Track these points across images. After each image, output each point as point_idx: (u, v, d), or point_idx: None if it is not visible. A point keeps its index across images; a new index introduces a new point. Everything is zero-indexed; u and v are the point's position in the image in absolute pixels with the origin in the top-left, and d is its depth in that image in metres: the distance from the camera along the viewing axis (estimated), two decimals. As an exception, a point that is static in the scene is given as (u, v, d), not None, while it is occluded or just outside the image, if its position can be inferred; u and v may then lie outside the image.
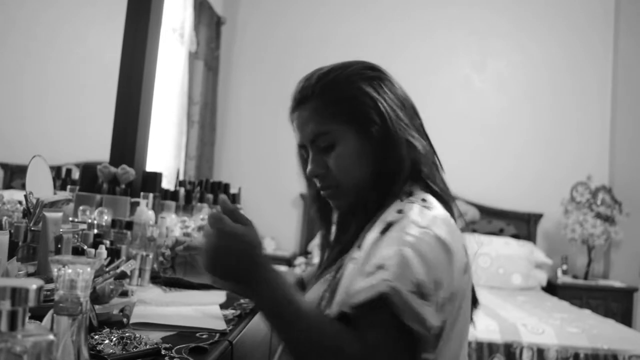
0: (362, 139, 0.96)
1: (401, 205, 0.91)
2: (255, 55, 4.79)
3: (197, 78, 4.01)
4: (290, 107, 1.03)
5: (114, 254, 1.39)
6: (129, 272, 1.12)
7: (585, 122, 4.63)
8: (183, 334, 0.98)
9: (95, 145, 2.39)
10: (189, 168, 3.94)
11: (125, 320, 1.02)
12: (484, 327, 2.68)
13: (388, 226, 0.87)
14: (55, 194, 1.36)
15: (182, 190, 1.98)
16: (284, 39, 4.77)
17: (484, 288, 3.84)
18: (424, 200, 0.92)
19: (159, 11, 2.18)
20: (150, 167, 2.18)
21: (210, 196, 2.03)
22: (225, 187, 2.13)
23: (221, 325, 1.07)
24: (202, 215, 1.81)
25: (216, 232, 0.80)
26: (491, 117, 4.66)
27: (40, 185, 1.30)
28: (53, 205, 1.22)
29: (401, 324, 0.77)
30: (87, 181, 1.90)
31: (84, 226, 1.47)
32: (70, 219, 1.51)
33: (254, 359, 1.28)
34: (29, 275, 1.08)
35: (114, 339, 0.86)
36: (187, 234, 1.77)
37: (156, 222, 1.70)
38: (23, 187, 1.28)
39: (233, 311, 1.23)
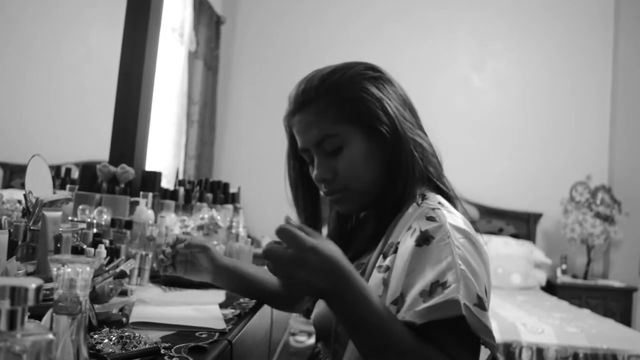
0: (369, 140, 0.94)
1: (425, 210, 0.88)
2: (254, 55, 4.79)
3: (196, 77, 4.01)
4: (288, 110, 1.00)
5: (113, 253, 1.39)
6: (128, 272, 1.12)
7: (584, 121, 4.64)
8: (182, 334, 0.98)
9: (94, 144, 2.39)
10: (189, 167, 3.94)
11: (124, 319, 1.02)
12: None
13: (425, 236, 0.84)
14: (54, 193, 1.36)
15: (181, 190, 1.98)
16: (283, 38, 4.77)
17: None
18: (440, 203, 0.91)
19: (158, 11, 2.18)
20: (149, 166, 2.17)
21: (209, 195, 2.03)
22: (224, 187, 2.13)
23: (220, 325, 1.07)
24: (202, 214, 1.81)
25: (296, 249, 0.74)
26: (491, 116, 4.66)
27: (40, 185, 1.30)
28: (52, 204, 1.22)
29: (477, 339, 0.78)
30: (86, 180, 1.90)
31: (84, 225, 1.47)
32: (70, 218, 1.51)
33: (254, 359, 1.28)
34: (28, 274, 1.08)
35: (114, 338, 0.86)
36: (186, 234, 1.77)
37: (155, 221, 1.70)
38: (22, 186, 1.28)
39: (232, 310, 1.23)
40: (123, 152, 2.02)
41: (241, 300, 1.36)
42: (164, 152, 3.52)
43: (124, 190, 1.86)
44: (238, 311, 1.23)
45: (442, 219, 0.86)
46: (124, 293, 1.16)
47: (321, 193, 1.06)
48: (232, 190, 2.22)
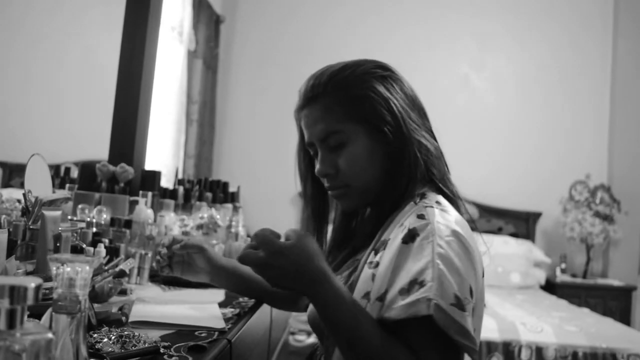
0: (373, 139, 0.95)
1: (418, 208, 0.89)
2: (254, 54, 4.79)
3: (196, 77, 4.01)
4: (298, 104, 1.02)
5: (112, 252, 1.39)
6: (127, 271, 1.12)
7: (584, 120, 4.64)
8: (182, 333, 0.98)
9: (94, 143, 2.39)
10: (188, 167, 3.94)
11: (124, 318, 1.02)
12: (482, 326, 2.67)
13: (412, 234, 0.85)
14: (54, 192, 1.36)
15: (181, 189, 1.98)
16: (283, 37, 4.77)
17: (482, 287, 3.84)
18: (438, 202, 0.91)
19: (157, 10, 2.18)
20: (149, 165, 2.17)
21: (209, 195, 2.03)
22: (224, 186, 2.13)
23: (220, 324, 1.07)
24: (201, 213, 1.81)
25: (266, 253, 0.81)
26: (490, 115, 4.66)
27: (39, 184, 1.30)
28: (52, 203, 1.21)
29: (449, 339, 0.78)
30: (86, 180, 1.90)
31: (83, 225, 1.47)
32: (69, 217, 1.51)
33: (253, 358, 1.28)
34: (27, 273, 1.08)
35: (113, 337, 0.86)
36: (185, 233, 1.77)
37: (155, 220, 1.70)
38: (22, 185, 1.28)
39: (232, 310, 1.23)
40: (122, 151, 2.02)
41: (240, 299, 1.36)
42: (164, 151, 3.51)
43: (123, 190, 1.86)
44: (237, 310, 1.23)
45: (431, 218, 0.86)
46: (123, 292, 1.17)
47: None
48: (232, 189, 2.22)
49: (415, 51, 4.63)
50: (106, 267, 1.11)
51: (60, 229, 1.16)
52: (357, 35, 4.61)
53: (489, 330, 2.69)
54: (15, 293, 0.46)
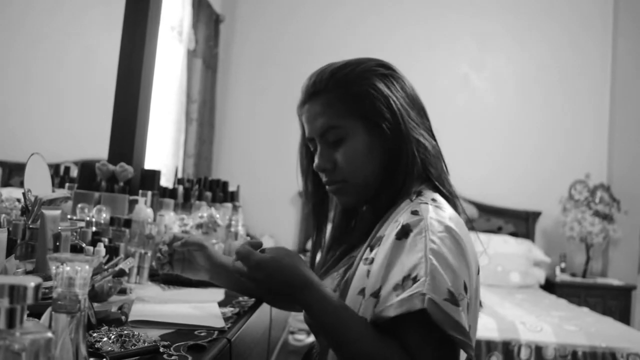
0: (372, 135, 0.96)
1: (413, 205, 0.90)
2: (253, 53, 4.79)
3: (195, 76, 4.01)
4: (300, 100, 1.03)
5: (112, 251, 1.39)
6: (127, 270, 1.12)
7: (583, 120, 4.64)
8: (181, 332, 0.98)
9: (93, 143, 2.38)
10: (188, 166, 3.94)
11: (123, 318, 1.02)
12: (481, 325, 2.66)
13: (405, 230, 0.86)
14: (53, 191, 1.36)
15: (180, 188, 1.98)
16: (282, 37, 4.77)
17: (482, 286, 3.83)
18: (434, 200, 0.92)
19: (157, 9, 2.17)
20: (148, 164, 2.17)
21: (208, 194, 2.03)
22: (223, 185, 2.13)
23: (220, 323, 1.07)
24: (201, 213, 1.81)
25: (247, 267, 0.87)
26: (490, 115, 4.66)
27: (39, 183, 1.30)
28: (51, 203, 1.21)
29: (443, 334, 0.77)
30: (85, 179, 1.90)
31: (83, 224, 1.47)
32: (69, 216, 1.51)
33: (253, 357, 1.28)
34: (27, 272, 1.08)
35: (113, 336, 0.86)
36: (185, 232, 1.77)
37: (155, 219, 1.70)
38: (21, 184, 1.28)
39: (232, 309, 1.23)
40: (122, 150, 2.02)
41: (240, 298, 1.36)
42: (163, 150, 3.52)
43: (123, 189, 1.86)
44: (237, 309, 1.23)
45: (424, 214, 0.87)
46: (123, 291, 1.17)
47: None
48: (231, 188, 2.22)
49: (415, 51, 4.63)
50: (106, 267, 1.10)
51: (59, 228, 1.16)
52: (357, 35, 4.61)
53: (489, 329, 2.69)
54: (15, 292, 0.46)
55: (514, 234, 4.49)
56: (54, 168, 1.97)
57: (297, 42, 4.71)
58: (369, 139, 0.96)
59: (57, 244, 1.13)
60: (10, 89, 2.27)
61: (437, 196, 0.94)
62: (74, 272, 0.57)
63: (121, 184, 1.87)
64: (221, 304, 1.28)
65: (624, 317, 3.99)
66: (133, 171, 1.90)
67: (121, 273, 1.10)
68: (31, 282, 0.47)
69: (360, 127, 0.96)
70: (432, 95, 4.36)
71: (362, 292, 0.87)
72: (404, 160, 0.95)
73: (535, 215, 4.56)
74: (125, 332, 0.88)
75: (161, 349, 0.86)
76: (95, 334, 0.86)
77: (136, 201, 1.73)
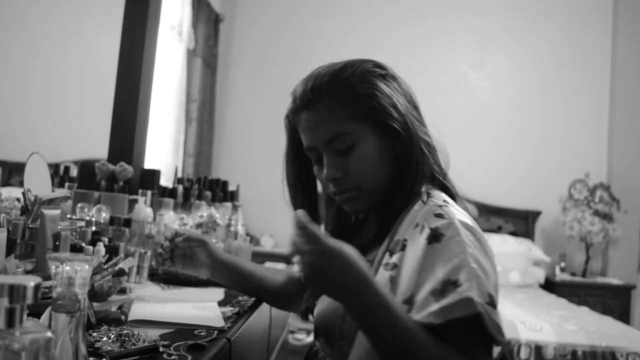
0: (381, 138, 0.93)
1: (432, 208, 0.88)
2: (253, 53, 4.79)
3: (195, 75, 4.01)
4: (293, 108, 0.98)
5: (112, 251, 1.39)
6: (127, 270, 1.12)
7: (583, 119, 4.64)
8: (181, 331, 0.98)
9: (93, 142, 2.39)
10: (187, 165, 3.94)
11: (123, 317, 1.02)
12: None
13: (435, 233, 0.83)
14: (53, 191, 1.36)
15: (180, 188, 1.98)
16: (282, 36, 4.77)
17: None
18: (445, 201, 0.91)
19: (157, 9, 2.17)
20: (148, 164, 2.17)
21: (208, 193, 2.03)
22: (223, 185, 2.13)
23: (219, 323, 1.07)
24: (201, 212, 1.81)
25: (317, 252, 0.74)
26: (489, 114, 4.66)
27: (39, 183, 1.30)
28: (51, 202, 1.22)
29: (489, 337, 0.77)
30: (85, 178, 1.90)
31: (82, 223, 1.47)
32: (69, 216, 1.51)
33: (252, 356, 1.28)
34: (27, 272, 1.08)
35: (112, 336, 0.86)
36: (185, 232, 1.76)
37: (154, 219, 1.70)
38: (21, 184, 1.28)
39: (231, 308, 1.23)
40: (122, 150, 2.02)
41: (240, 298, 1.36)
42: (163, 150, 3.52)
43: (122, 188, 1.86)
44: (237, 309, 1.23)
45: (451, 216, 0.86)
46: (122, 291, 1.17)
47: (319, 192, 1.05)
48: (231, 188, 2.22)
49: (415, 51, 4.63)
50: (105, 266, 1.11)
51: (59, 227, 1.16)
52: (357, 35, 4.61)
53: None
54: (15, 292, 0.46)
55: (513, 234, 4.49)
56: (54, 167, 1.97)
57: (296, 41, 4.71)
58: (379, 142, 0.93)
59: (57, 243, 1.13)
60: (10, 88, 2.28)
61: (446, 197, 0.94)
62: (74, 271, 0.57)
63: (121, 183, 1.87)
64: (221, 304, 1.28)
65: (624, 316, 3.99)
66: (133, 171, 1.90)
67: (121, 272, 1.10)
68: (31, 281, 0.47)
69: (369, 130, 0.93)
70: (432, 94, 4.39)
71: None
72: (414, 159, 0.93)
73: (535, 214, 4.56)
74: (125, 331, 0.88)
75: (161, 349, 0.86)
76: (94, 334, 0.86)
77: (136, 201, 1.73)
